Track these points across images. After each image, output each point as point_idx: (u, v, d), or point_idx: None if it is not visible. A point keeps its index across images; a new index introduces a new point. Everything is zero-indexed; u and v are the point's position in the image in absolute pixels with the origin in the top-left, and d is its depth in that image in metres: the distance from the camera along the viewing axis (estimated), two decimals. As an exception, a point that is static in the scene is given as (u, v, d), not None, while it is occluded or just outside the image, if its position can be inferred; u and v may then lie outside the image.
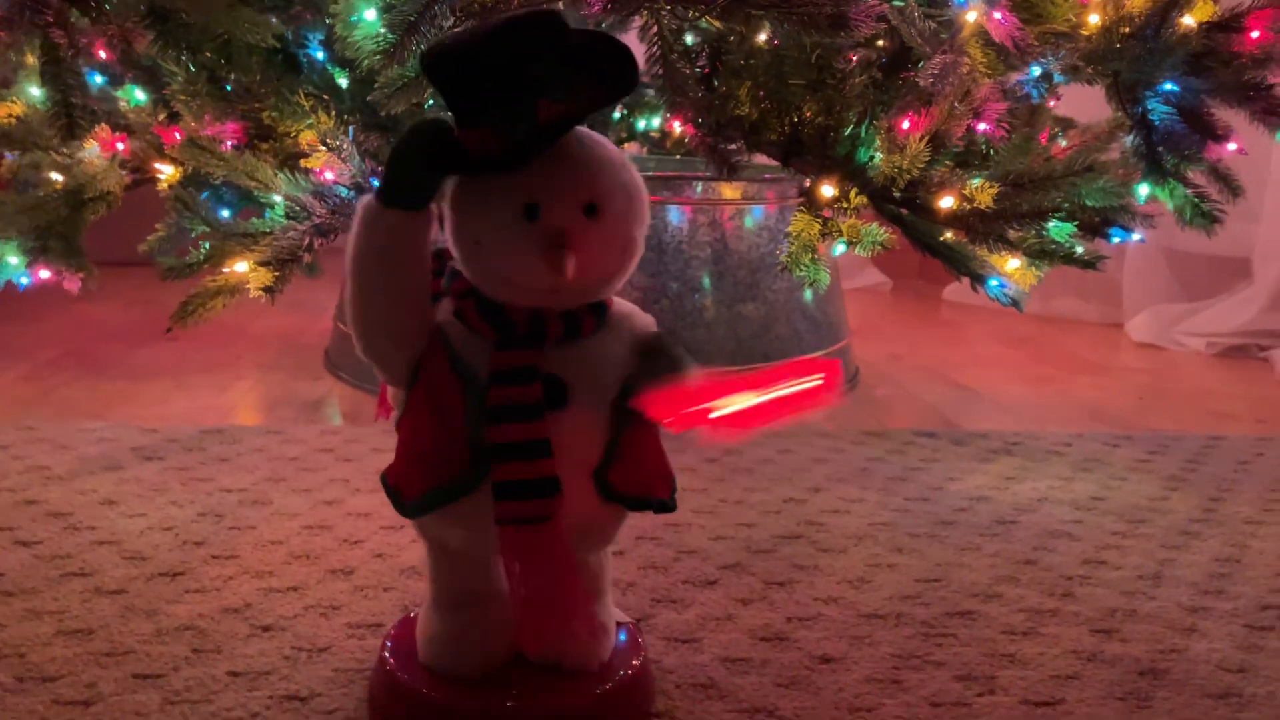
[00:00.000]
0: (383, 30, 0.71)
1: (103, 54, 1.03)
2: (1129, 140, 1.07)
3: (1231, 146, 1.01)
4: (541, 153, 0.51)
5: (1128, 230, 1.13)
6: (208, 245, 0.97)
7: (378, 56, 0.71)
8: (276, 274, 0.87)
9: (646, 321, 0.58)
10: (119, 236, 1.46)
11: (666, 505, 0.57)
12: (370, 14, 0.73)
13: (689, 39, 1.06)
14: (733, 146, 1.07)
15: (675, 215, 1.27)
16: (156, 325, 1.68)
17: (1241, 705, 0.63)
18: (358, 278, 0.53)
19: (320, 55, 1.17)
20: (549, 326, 0.53)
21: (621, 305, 0.58)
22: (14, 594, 0.72)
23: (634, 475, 0.56)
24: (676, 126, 1.41)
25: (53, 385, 1.30)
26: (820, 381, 0.50)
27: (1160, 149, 0.97)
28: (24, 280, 1.08)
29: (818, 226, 0.96)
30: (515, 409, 0.53)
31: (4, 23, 0.79)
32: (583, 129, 0.53)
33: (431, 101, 0.97)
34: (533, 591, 0.52)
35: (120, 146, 1.03)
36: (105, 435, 1.07)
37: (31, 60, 1.10)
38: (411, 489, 0.55)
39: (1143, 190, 1.03)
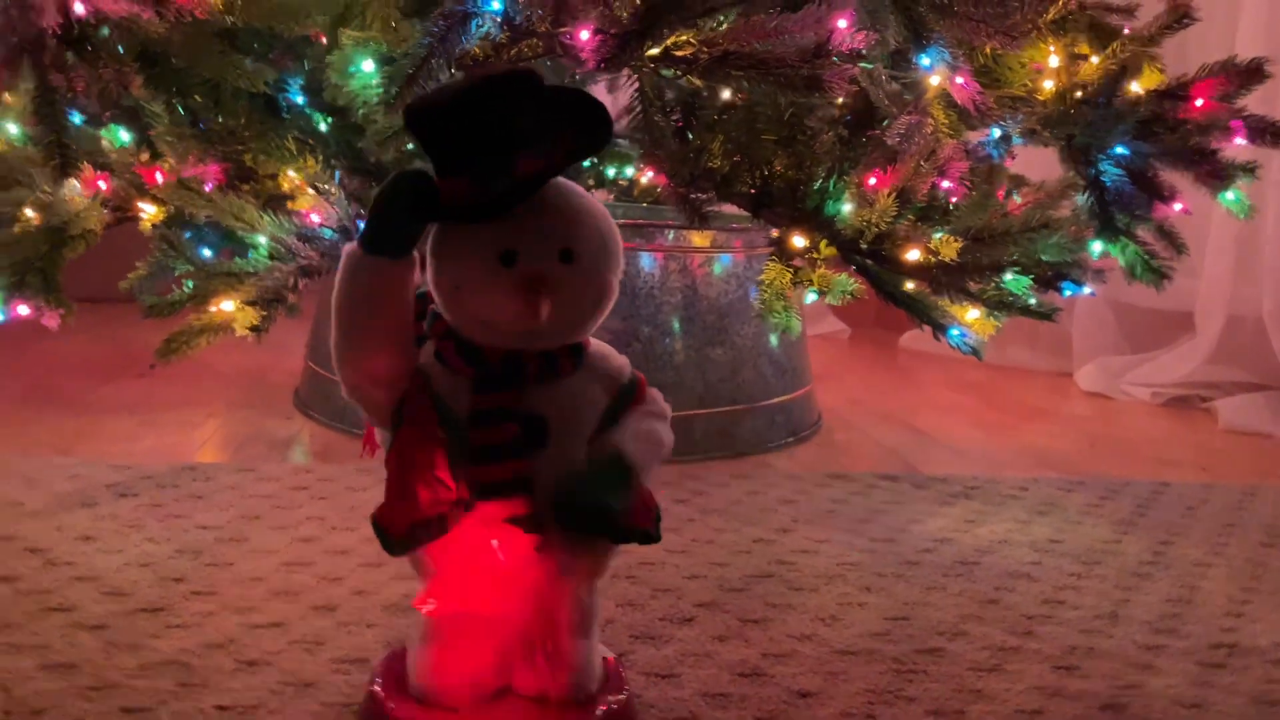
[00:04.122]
0: (382, 82, 0.74)
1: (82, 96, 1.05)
2: (1080, 199, 1.12)
3: (1177, 207, 1.07)
4: (519, 204, 0.54)
5: (1079, 284, 1.18)
6: (191, 284, 0.98)
7: (377, 107, 0.74)
8: (263, 314, 0.88)
9: (621, 362, 0.60)
10: (82, 272, 1.45)
11: (650, 536, 0.59)
12: (368, 65, 0.76)
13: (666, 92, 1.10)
14: (704, 197, 1.11)
15: (647, 261, 1.31)
16: (123, 361, 1.67)
17: (1195, 737, 0.67)
18: (342, 323, 0.55)
19: (300, 99, 1.19)
20: (526, 367, 0.56)
21: (598, 346, 0.60)
22: (-5, 629, 0.72)
23: None
24: (647, 175, 1.45)
25: (20, 421, 1.29)
26: None
27: (1112, 209, 1.02)
28: (-1, 316, 1.08)
29: (789, 275, 1.00)
30: (496, 449, 0.55)
31: (4, 65, 0.81)
32: (560, 179, 0.56)
33: (412, 146, 1.00)
34: (530, 621, 0.54)
35: (102, 185, 1.04)
36: (78, 471, 1.06)
37: (10, 99, 1.11)
38: (397, 527, 0.57)
39: (1096, 247, 1.09)
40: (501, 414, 0.55)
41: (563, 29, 0.73)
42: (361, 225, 0.96)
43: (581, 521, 0.54)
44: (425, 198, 0.53)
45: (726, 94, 1.09)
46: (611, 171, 1.70)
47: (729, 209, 1.24)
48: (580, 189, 0.57)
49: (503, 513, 0.54)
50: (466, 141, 0.51)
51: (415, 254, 0.55)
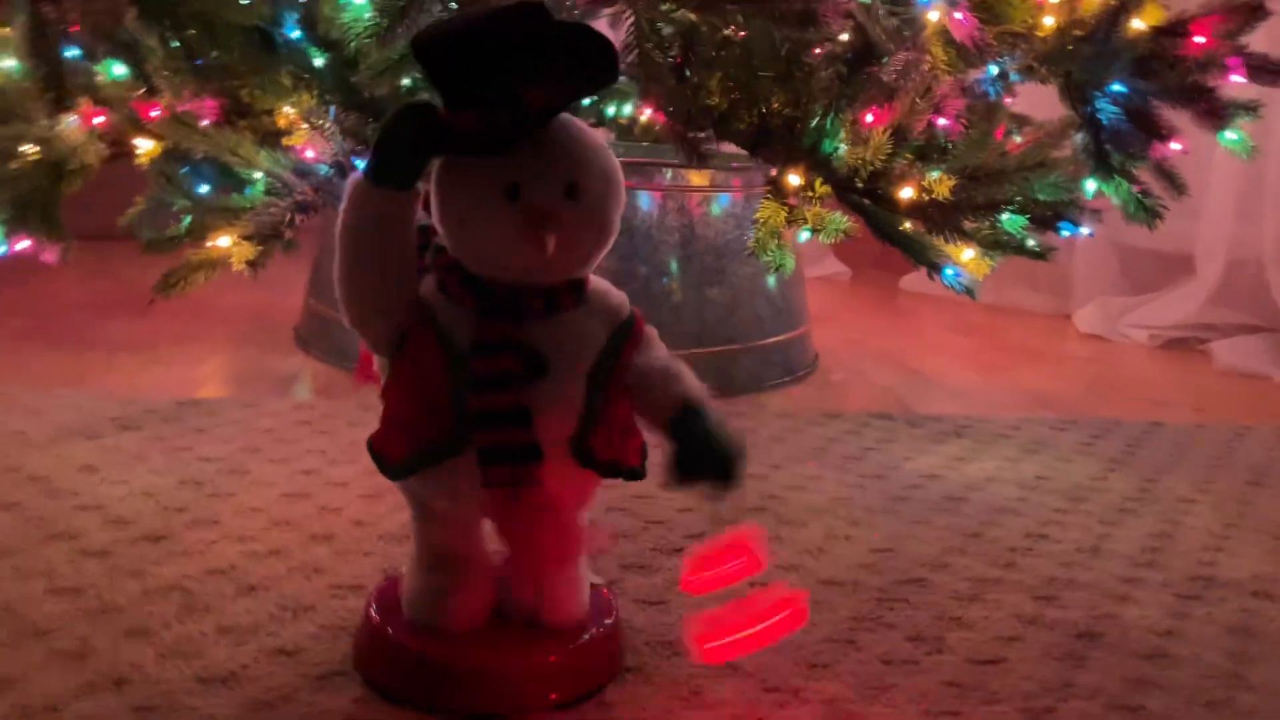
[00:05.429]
0: (373, 15, 0.74)
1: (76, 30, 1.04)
2: (1078, 137, 1.12)
3: (1175, 146, 1.06)
4: (526, 138, 0.54)
5: (1076, 224, 1.18)
6: (188, 219, 0.98)
7: (368, 40, 0.74)
8: (260, 249, 0.89)
9: (621, 299, 0.61)
10: (81, 210, 1.46)
11: (636, 472, 0.61)
12: (360, -2, 0.76)
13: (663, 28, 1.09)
14: (702, 135, 1.10)
15: (645, 201, 1.31)
16: (124, 298, 1.68)
17: (1169, 665, 0.69)
18: (346, 251, 0.56)
19: (296, 34, 1.18)
20: (529, 301, 0.57)
21: (598, 283, 0.61)
22: (0, 554, 0.74)
23: (608, 443, 0.60)
24: (646, 114, 1.45)
25: (23, 356, 1.30)
26: (791, 610, 0.57)
27: (1107, 147, 1.02)
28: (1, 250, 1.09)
29: (784, 214, 1.00)
30: (496, 378, 0.56)
31: (-4, -3, 0.81)
32: (565, 114, 0.57)
33: (409, 82, 0.99)
34: (521, 548, 0.56)
35: (99, 120, 1.04)
36: (81, 404, 1.08)
37: (4, 32, 1.10)
38: (396, 452, 0.58)
39: (1090, 185, 1.08)
40: (504, 344, 0.56)
41: (556, -38, 0.73)
42: (357, 161, 0.97)
43: (713, 470, 0.57)
44: (430, 129, 0.53)
45: (725, 30, 1.09)
46: (611, 110, 1.69)
47: (728, 149, 1.24)
48: (584, 125, 0.57)
49: (501, 442, 0.55)
50: (474, 74, 0.52)
51: (419, 186, 0.56)
